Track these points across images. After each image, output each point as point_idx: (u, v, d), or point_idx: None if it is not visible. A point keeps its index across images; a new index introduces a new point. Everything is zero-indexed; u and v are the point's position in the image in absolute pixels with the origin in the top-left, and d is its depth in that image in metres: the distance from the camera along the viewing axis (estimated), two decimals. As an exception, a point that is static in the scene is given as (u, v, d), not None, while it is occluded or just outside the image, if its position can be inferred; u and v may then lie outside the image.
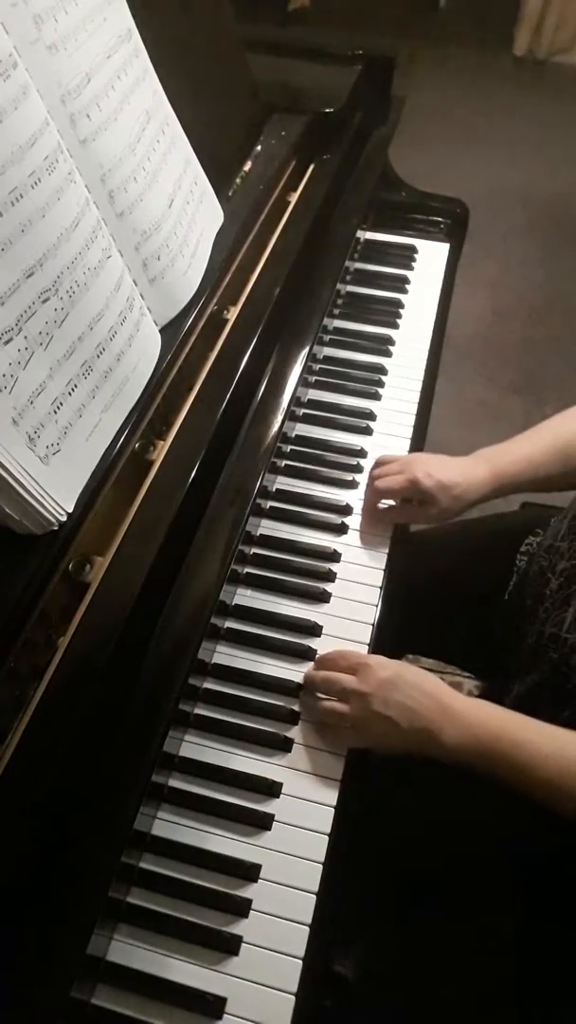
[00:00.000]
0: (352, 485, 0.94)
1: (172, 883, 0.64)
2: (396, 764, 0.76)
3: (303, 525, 0.89)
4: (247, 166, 0.95)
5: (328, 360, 1.09)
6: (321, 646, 0.79)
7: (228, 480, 0.73)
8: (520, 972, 0.79)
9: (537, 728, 0.69)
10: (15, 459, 0.53)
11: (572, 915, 0.79)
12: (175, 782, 0.69)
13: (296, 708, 0.75)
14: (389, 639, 0.82)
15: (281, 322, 0.87)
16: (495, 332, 2.43)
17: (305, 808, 0.69)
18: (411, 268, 1.26)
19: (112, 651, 0.58)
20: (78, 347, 0.60)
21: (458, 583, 1.04)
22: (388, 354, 1.11)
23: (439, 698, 0.70)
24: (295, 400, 0.88)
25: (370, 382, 1.06)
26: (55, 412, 0.58)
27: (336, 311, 1.13)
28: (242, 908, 0.63)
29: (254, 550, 0.85)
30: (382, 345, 1.12)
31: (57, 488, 0.57)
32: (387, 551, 0.88)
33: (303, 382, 0.91)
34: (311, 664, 0.78)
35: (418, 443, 1.02)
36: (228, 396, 0.75)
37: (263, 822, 0.68)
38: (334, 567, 0.86)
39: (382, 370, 1.09)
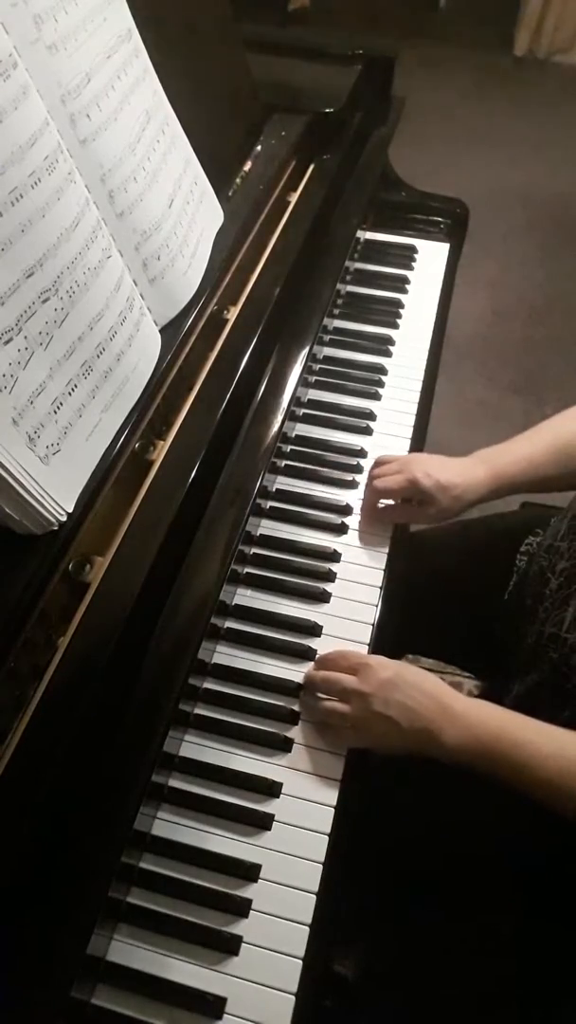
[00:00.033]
0: (352, 485, 0.94)
1: (172, 883, 0.64)
2: (396, 764, 0.76)
3: (303, 525, 0.89)
4: (247, 166, 0.95)
5: (328, 360, 1.09)
6: (321, 646, 0.79)
7: (228, 480, 0.73)
8: (520, 972, 0.79)
9: (537, 728, 0.69)
10: (15, 459, 0.53)
11: (572, 915, 0.79)
12: (175, 782, 0.69)
13: (296, 708, 0.75)
14: (389, 639, 0.82)
15: (281, 322, 0.87)
16: (495, 332, 2.43)
17: (305, 808, 0.69)
18: (411, 268, 1.26)
19: (112, 651, 0.58)
20: (78, 347, 0.60)
21: (458, 583, 1.04)
22: (388, 354, 1.11)
23: (439, 698, 0.70)
24: (295, 400, 0.88)
25: (370, 382, 1.06)
26: (55, 412, 0.58)
27: (336, 311, 1.13)
28: (242, 908, 0.63)
29: (254, 550, 0.85)
30: (382, 345, 1.12)
31: (57, 488, 0.57)
32: (387, 551, 0.88)
33: (303, 382, 0.91)
34: (311, 664, 0.78)
35: (418, 443, 1.02)
36: (228, 396, 0.75)
37: (263, 822, 0.68)
38: (334, 567, 0.86)
39: (382, 370, 1.09)
